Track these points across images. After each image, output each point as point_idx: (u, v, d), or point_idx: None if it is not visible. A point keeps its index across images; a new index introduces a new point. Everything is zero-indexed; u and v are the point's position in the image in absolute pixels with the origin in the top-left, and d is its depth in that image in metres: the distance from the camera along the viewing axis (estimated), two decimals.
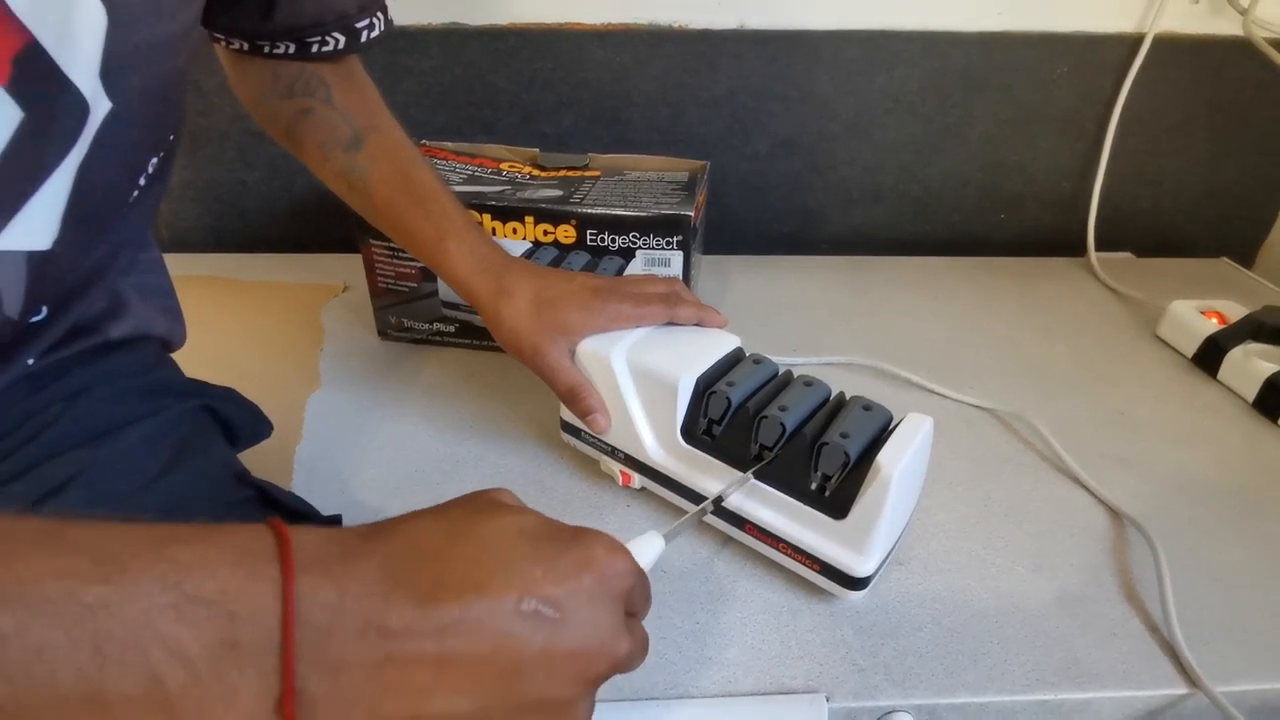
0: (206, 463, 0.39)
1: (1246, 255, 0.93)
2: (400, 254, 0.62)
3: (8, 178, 0.29)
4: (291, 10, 0.44)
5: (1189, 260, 0.87)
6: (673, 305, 0.49)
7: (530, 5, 0.76)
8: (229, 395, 0.43)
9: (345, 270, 0.77)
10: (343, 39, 0.47)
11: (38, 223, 0.31)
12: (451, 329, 0.65)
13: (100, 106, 0.31)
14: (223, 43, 0.48)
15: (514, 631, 0.22)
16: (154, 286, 0.43)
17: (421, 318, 0.65)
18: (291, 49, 0.47)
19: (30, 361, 0.34)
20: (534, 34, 0.77)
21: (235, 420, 0.42)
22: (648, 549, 0.33)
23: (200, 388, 0.42)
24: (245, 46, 0.47)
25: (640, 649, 0.27)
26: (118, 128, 0.32)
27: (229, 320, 0.69)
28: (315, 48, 0.47)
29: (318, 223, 0.84)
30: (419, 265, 0.62)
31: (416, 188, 0.49)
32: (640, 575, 0.28)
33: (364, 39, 0.49)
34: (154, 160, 0.37)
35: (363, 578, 0.21)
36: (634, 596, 0.27)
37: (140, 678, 0.18)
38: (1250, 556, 0.48)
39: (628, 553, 0.27)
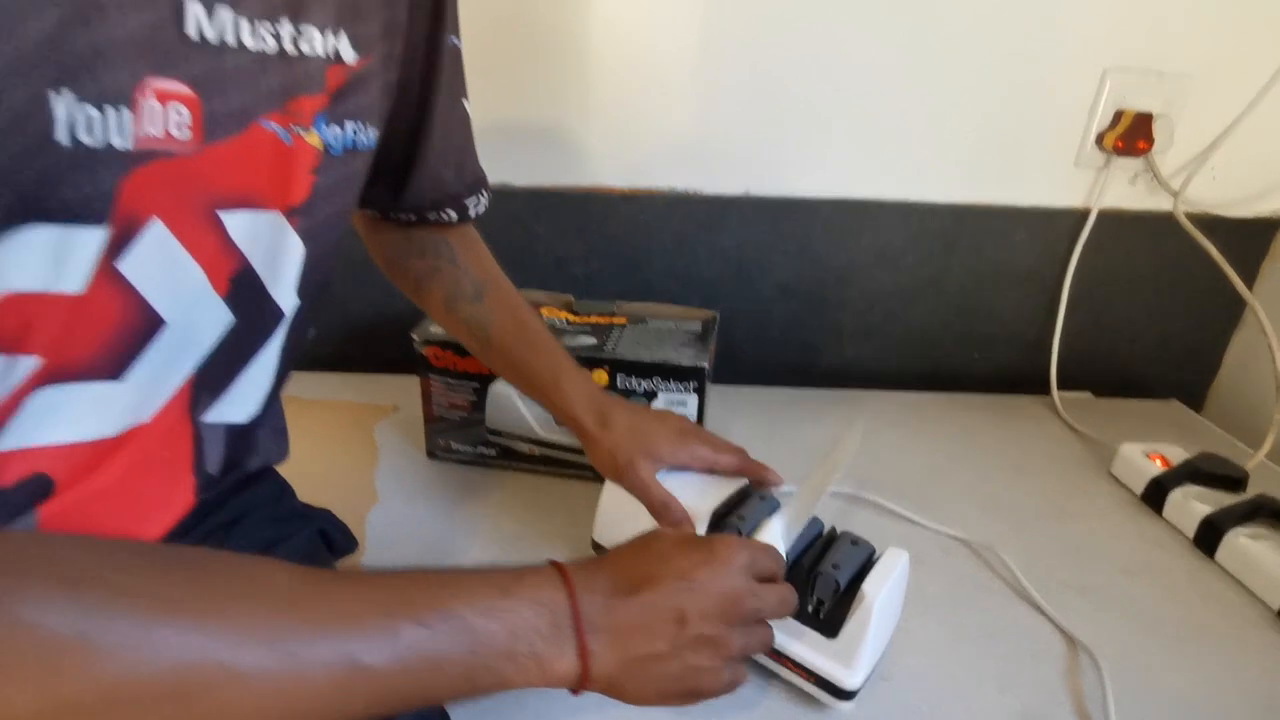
0: None
1: (1198, 396, 1.03)
2: (454, 386, 0.72)
3: (217, 366, 0.39)
4: (415, 194, 0.56)
5: (1143, 401, 0.98)
6: (742, 460, 0.59)
7: (567, 170, 0.89)
8: (329, 517, 0.52)
9: (394, 391, 0.87)
10: (455, 214, 0.59)
11: (242, 402, 0.41)
12: (493, 452, 0.74)
13: (293, 304, 0.42)
14: (357, 212, 0.59)
15: (676, 600, 0.38)
16: (271, 409, 0.52)
17: (468, 441, 0.74)
18: (413, 218, 0.58)
19: (203, 498, 0.43)
20: (570, 194, 0.90)
21: (335, 538, 0.51)
22: (772, 530, 0.49)
23: (310, 510, 0.51)
24: (377, 215, 0.59)
25: (774, 599, 0.42)
26: (299, 319, 0.42)
27: (296, 437, 0.78)
28: (432, 218, 0.58)
29: (368, 344, 0.95)
30: (470, 397, 0.72)
31: (531, 335, 0.60)
32: (759, 551, 0.43)
33: (472, 213, 0.60)
34: (312, 332, 0.47)
35: (599, 587, 0.38)
36: (757, 567, 0.42)
37: (528, 645, 0.35)
38: (1187, 679, 0.55)
39: (740, 545, 0.42)
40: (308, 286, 0.43)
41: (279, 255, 0.40)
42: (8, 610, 0.24)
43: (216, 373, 0.39)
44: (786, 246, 0.93)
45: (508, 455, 0.74)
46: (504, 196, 0.89)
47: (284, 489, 0.52)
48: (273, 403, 0.48)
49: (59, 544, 0.27)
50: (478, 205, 0.60)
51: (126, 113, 0.29)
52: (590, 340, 0.72)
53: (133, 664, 0.25)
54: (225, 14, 0.32)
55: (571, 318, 0.77)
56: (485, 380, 0.70)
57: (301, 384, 0.90)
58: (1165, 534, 0.71)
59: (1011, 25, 0.84)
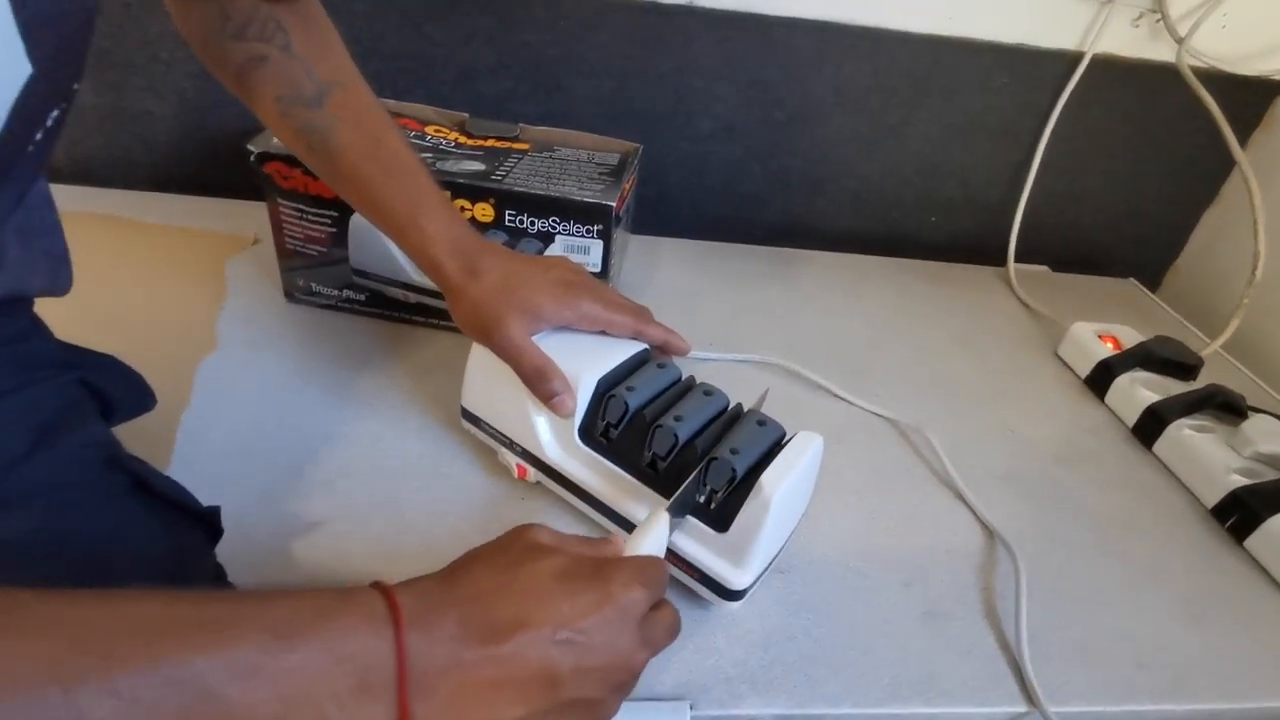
0: (77, 444, 0.36)
1: (1155, 277, 0.97)
2: (309, 215, 0.59)
3: None
4: None
5: (1100, 279, 0.90)
6: (642, 322, 0.49)
7: None
8: (108, 364, 0.41)
9: (259, 220, 0.72)
10: None
11: None
12: (362, 297, 0.63)
13: (22, 72, 0.28)
14: None
15: (550, 656, 0.28)
16: (37, 226, 0.39)
17: (330, 283, 0.62)
18: None
19: None
20: None
21: (113, 393, 0.40)
22: (658, 534, 0.38)
23: (77, 357, 0.39)
24: None
25: (663, 640, 0.34)
26: (35, 89, 0.29)
27: (123, 268, 0.65)
28: None
29: (232, 166, 0.79)
30: (329, 229, 0.59)
31: (387, 156, 0.47)
32: (654, 579, 0.33)
33: None
34: (55, 113, 0.34)
35: (444, 627, 0.27)
36: (651, 602, 0.32)
37: (313, 715, 0.24)
38: (1107, 578, 0.51)
39: (639, 583, 0.32)
40: (51, 43, 0.29)
41: None
42: None
43: None
44: (733, 75, 0.79)
45: (378, 301, 0.63)
46: None
47: (31, 327, 0.39)
48: (17, 213, 0.35)
49: None
50: None
51: None
52: (478, 166, 0.59)
53: None
54: None
55: (462, 139, 0.63)
56: (347, 209, 0.58)
57: (144, 205, 0.76)
58: (1105, 421, 0.66)
59: None
